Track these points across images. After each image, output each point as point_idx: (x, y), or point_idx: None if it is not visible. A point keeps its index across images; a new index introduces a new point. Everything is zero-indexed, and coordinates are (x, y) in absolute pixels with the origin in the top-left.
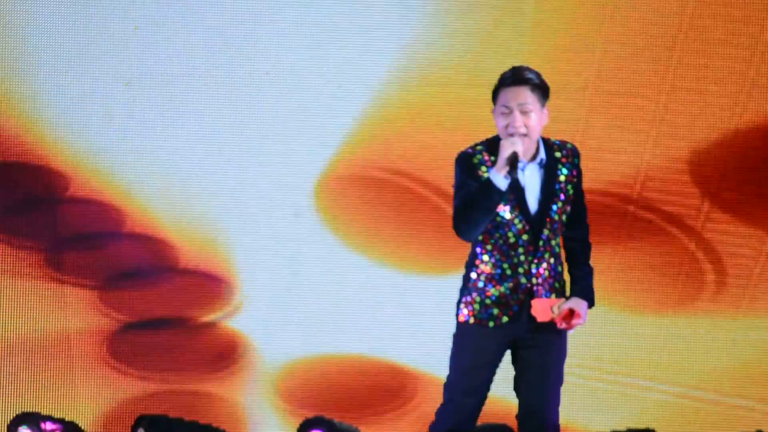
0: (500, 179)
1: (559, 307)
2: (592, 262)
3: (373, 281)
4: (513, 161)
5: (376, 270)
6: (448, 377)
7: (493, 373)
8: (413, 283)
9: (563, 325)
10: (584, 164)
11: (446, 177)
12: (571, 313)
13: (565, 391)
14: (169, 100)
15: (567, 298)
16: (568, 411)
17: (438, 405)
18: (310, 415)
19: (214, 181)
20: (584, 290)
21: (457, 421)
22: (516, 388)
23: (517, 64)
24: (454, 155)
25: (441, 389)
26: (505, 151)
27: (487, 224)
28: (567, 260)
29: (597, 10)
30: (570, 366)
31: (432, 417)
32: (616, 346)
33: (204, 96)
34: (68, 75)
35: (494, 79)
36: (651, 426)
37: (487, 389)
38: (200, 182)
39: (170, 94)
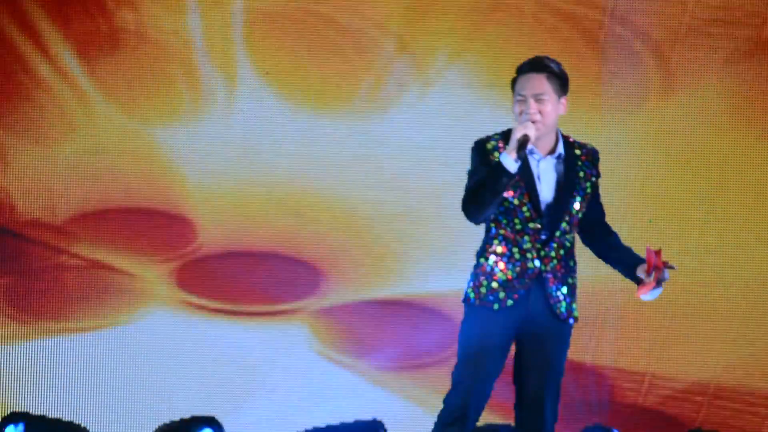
0: (510, 161)
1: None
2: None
3: None
4: (523, 144)
5: None
6: (456, 363)
7: (501, 362)
8: None
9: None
10: None
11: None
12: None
13: (564, 391)
14: (169, 100)
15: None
16: (568, 411)
17: None
18: None
19: (214, 181)
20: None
21: (462, 407)
22: (515, 378)
23: (516, 63)
24: (453, 154)
25: None
26: (517, 133)
27: (495, 207)
28: (609, 253)
29: (597, 9)
30: (569, 365)
31: None
32: (616, 346)
33: (204, 96)
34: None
35: (493, 80)
36: (651, 426)
37: (494, 377)
38: (201, 182)
39: (170, 94)
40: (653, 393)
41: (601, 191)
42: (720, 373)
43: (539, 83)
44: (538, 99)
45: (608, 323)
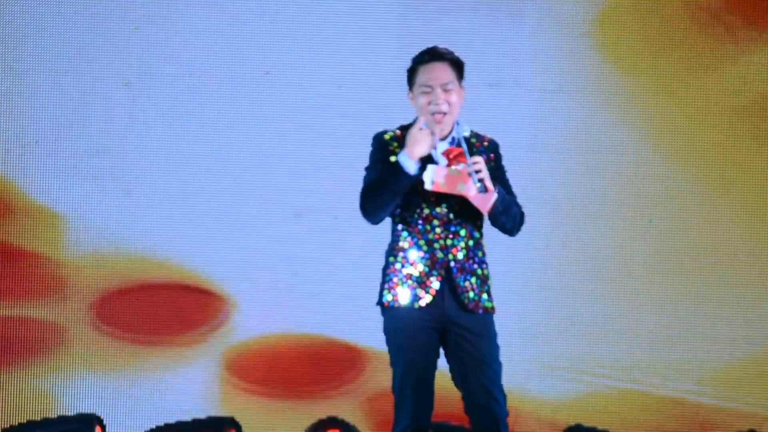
0: (411, 164)
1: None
2: None
3: None
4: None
5: None
6: (393, 375)
7: (434, 362)
8: None
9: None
10: (583, 164)
11: None
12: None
13: (565, 391)
14: (169, 100)
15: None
16: (568, 411)
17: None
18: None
19: (214, 181)
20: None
21: (414, 424)
22: (455, 382)
23: (516, 64)
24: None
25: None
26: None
27: (393, 208)
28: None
29: (596, 9)
30: (571, 366)
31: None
32: (616, 346)
33: (204, 96)
34: (68, 75)
35: (494, 80)
36: (651, 426)
37: (431, 377)
38: (200, 182)
39: (170, 94)
40: (652, 394)
41: (598, 190)
42: (720, 374)
43: (446, 73)
44: (445, 89)
45: (608, 325)
